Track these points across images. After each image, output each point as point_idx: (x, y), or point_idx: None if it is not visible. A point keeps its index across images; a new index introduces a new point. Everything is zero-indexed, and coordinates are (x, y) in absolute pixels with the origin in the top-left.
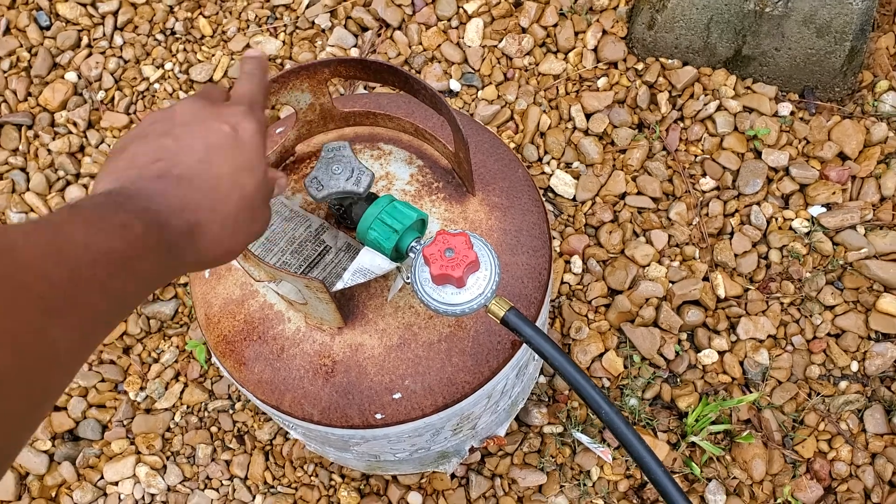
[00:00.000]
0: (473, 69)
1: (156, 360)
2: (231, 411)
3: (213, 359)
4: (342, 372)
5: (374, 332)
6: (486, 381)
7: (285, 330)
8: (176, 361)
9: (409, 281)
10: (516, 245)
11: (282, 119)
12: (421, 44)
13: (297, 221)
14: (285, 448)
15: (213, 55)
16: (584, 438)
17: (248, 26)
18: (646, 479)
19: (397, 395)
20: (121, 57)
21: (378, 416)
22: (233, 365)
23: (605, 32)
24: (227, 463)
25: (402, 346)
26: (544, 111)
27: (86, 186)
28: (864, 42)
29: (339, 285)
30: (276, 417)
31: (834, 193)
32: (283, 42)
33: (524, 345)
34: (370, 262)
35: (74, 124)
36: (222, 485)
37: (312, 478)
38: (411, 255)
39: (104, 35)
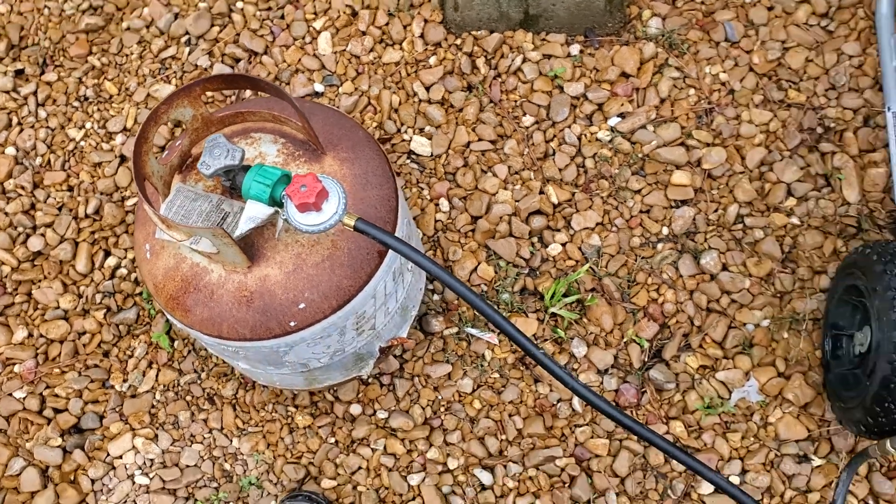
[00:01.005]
0: (331, 72)
1: (131, 356)
2: (199, 381)
3: (168, 317)
4: (258, 298)
5: (274, 264)
6: (365, 283)
7: (211, 278)
8: (147, 353)
9: (285, 218)
10: (366, 183)
11: (180, 133)
12: (285, 61)
13: (201, 200)
14: (247, 398)
15: (123, 108)
16: (473, 331)
17: (145, 80)
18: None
19: (302, 305)
20: (48, 127)
21: (292, 323)
22: (181, 314)
23: (426, 21)
24: (205, 421)
25: (296, 270)
26: (393, 92)
27: (43, 235)
28: None
29: (237, 232)
30: (221, 350)
31: (623, 105)
32: (176, 85)
33: (391, 253)
34: (255, 211)
35: (22, 188)
36: (204, 438)
37: (273, 414)
38: (283, 201)
39: (30, 112)
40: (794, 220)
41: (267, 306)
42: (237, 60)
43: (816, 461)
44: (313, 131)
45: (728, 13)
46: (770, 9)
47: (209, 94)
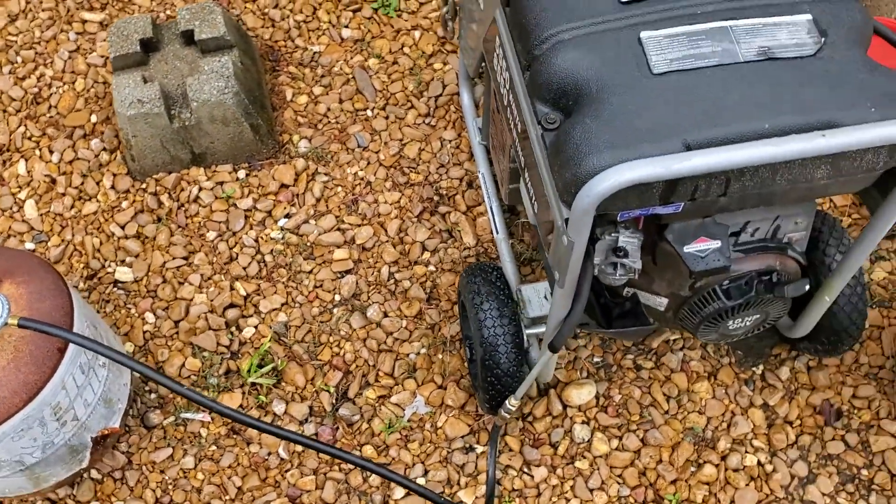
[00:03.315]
0: (39, 230)
1: None
2: None
3: None
4: None
5: None
6: (50, 377)
7: None
8: None
9: None
10: (41, 297)
11: None
12: None
13: None
14: None
15: None
16: (187, 415)
17: None
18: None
19: None
20: None
21: None
22: None
23: (115, 175)
24: None
25: None
26: (94, 236)
27: None
28: (256, 119)
29: None
30: None
31: (286, 209)
32: None
33: (71, 349)
34: None
35: None
36: None
37: None
38: None
39: None
40: (431, 268)
41: None
42: None
43: (479, 448)
44: None
45: (357, 126)
46: (387, 118)
47: None
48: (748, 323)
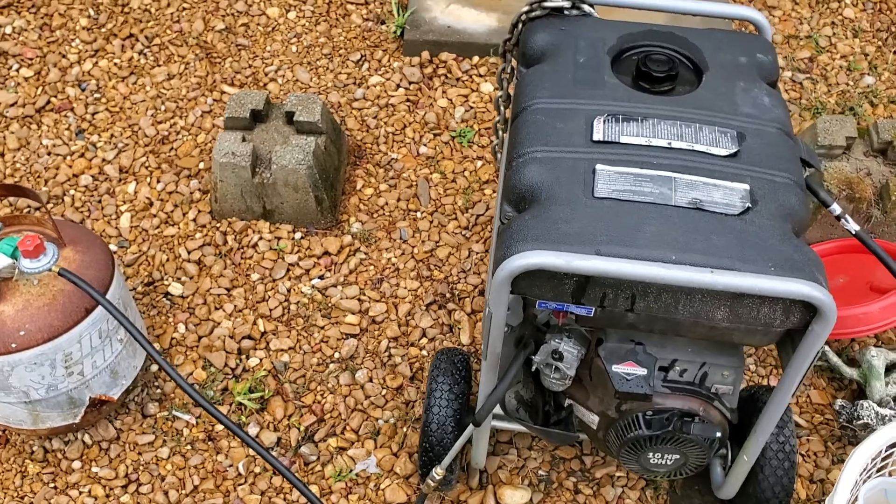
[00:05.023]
0: (125, 239)
1: None
2: None
3: None
4: None
5: (9, 304)
6: (71, 328)
7: None
8: None
9: (18, 266)
10: (90, 266)
11: None
12: (93, 229)
13: None
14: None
15: None
16: (177, 413)
17: None
18: (217, 424)
19: (22, 333)
20: None
21: (13, 345)
22: None
23: (199, 211)
24: None
25: (24, 309)
26: (164, 253)
27: None
28: (321, 194)
29: None
30: None
31: (322, 271)
32: None
33: (96, 314)
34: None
35: None
36: None
37: (12, 465)
38: (17, 255)
39: None
40: (424, 353)
41: None
42: None
43: None
44: (57, 229)
45: (405, 223)
46: (431, 222)
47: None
48: (668, 462)
